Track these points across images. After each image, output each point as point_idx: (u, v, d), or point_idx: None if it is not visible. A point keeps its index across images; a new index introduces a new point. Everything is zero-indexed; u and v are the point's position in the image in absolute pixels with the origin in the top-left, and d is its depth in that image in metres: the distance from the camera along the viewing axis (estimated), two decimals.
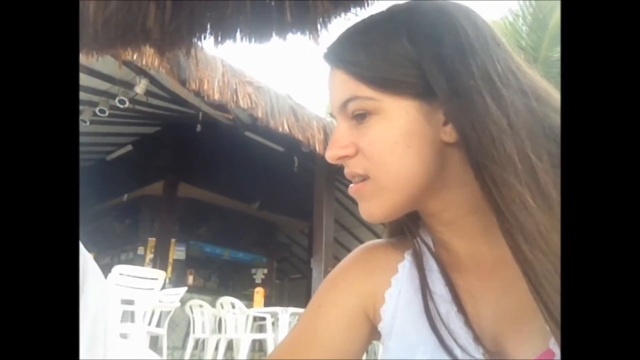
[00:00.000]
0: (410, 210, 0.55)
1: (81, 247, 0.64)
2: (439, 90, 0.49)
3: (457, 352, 0.46)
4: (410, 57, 0.50)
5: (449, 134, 0.50)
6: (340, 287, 0.58)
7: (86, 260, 0.65)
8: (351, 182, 0.55)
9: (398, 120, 0.50)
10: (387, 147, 0.50)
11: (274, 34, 1.47)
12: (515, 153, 0.45)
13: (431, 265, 0.55)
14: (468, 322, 0.48)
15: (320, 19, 1.47)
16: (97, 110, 5.20)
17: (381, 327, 0.55)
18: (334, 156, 0.54)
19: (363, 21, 0.56)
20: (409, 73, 0.50)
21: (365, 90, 0.51)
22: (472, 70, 0.48)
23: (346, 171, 0.54)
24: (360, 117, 0.52)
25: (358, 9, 1.43)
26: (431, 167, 0.51)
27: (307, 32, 1.49)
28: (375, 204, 0.53)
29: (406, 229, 0.59)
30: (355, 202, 0.54)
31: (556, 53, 7.19)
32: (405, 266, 0.57)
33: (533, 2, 8.04)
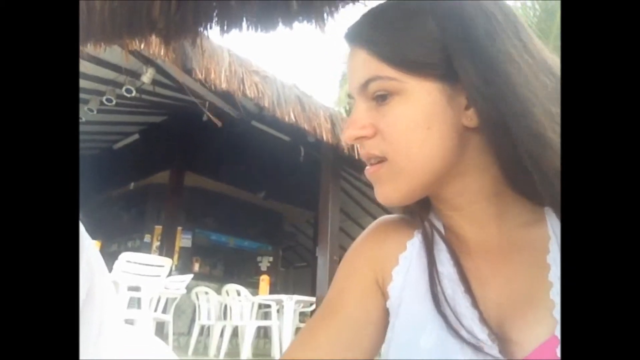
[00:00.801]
0: (426, 194, 0.55)
1: (87, 237, 0.64)
2: (463, 74, 0.48)
3: (463, 333, 0.46)
4: (435, 38, 0.49)
5: (470, 118, 0.50)
6: (353, 262, 0.59)
7: (83, 243, 0.65)
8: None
9: (420, 102, 0.49)
10: (407, 129, 0.49)
11: (280, 23, 1.46)
12: (540, 137, 0.45)
13: (440, 245, 0.55)
14: (474, 304, 0.48)
15: (327, 8, 1.47)
16: (104, 99, 5.22)
17: (388, 304, 0.55)
18: (352, 136, 0.53)
19: (387, 4, 0.55)
20: (433, 54, 0.49)
21: (387, 71, 0.50)
22: (499, 54, 0.47)
23: (362, 152, 0.54)
24: (381, 98, 0.51)
25: None
26: (451, 151, 0.50)
27: (314, 21, 1.48)
28: (391, 187, 0.52)
29: (416, 212, 0.59)
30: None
31: None
32: (415, 244, 0.56)
33: None
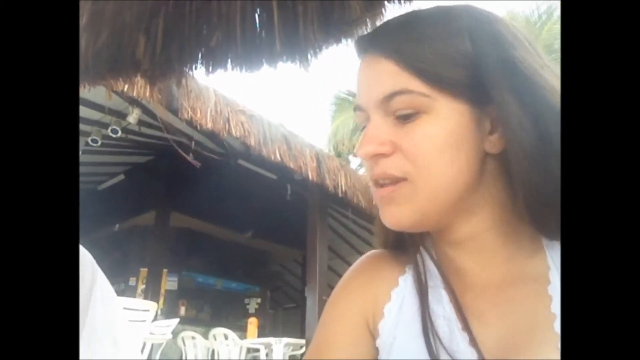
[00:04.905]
0: (435, 226, 0.52)
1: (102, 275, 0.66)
2: (499, 97, 0.46)
3: None
4: (469, 59, 0.48)
5: (493, 144, 0.49)
6: (342, 301, 0.56)
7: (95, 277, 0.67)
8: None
9: (450, 122, 0.47)
10: (436, 149, 0.47)
11: (264, 63, 1.48)
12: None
13: (434, 281, 0.53)
14: (472, 341, 0.46)
15: (311, 49, 1.49)
16: (89, 140, 5.19)
17: (378, 343, 0.52)
18: (370, 152, 0.49)
19: (413, 16, 0.53)
20: (466, 75, 0.48)
21: (418, 85, 0.48)
22: (537, 78, 0.47)
23: (376, 171, 0.50)
24: (404, 117, 0.48)
25: (349, 39, 1.45)
26: (474, 176, 0.49)
27: (298, 61, 1.50)
28: (407, 209, 0.49)
29: (409, 241, 0.56)
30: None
31: None
32: (407, 280, 0.54)
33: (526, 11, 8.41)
